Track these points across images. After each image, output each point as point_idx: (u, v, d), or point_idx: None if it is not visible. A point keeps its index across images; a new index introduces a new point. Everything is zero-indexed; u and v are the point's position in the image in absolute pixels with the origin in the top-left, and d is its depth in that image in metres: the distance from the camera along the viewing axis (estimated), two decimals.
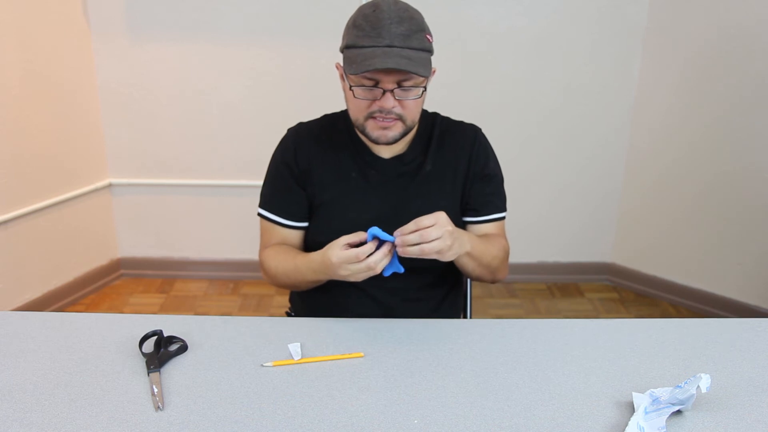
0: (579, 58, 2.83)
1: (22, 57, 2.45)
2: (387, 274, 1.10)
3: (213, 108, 2.89)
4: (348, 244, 1.09)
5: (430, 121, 1.34)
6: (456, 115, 1.39)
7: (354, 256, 1.06)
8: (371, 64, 1.09)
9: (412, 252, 1.05)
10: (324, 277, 1.18)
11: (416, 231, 1.04)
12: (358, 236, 1.09)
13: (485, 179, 1.33)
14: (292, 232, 1.33)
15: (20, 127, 2.48)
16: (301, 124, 1.36)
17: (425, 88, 1.18)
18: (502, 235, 1.37)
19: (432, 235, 1.04)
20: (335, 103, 1.45)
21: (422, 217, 1.06)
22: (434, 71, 1.23)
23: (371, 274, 1.08)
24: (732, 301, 2.72)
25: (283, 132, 1.36)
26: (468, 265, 1.22)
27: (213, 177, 2.98)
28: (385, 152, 1.30)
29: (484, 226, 1.33)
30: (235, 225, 3.03)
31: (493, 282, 1.33)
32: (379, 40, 1.10)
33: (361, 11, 1.15)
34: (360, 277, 1.09)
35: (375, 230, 1.06)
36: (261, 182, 1.37)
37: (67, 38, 2.67)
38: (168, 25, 2.77)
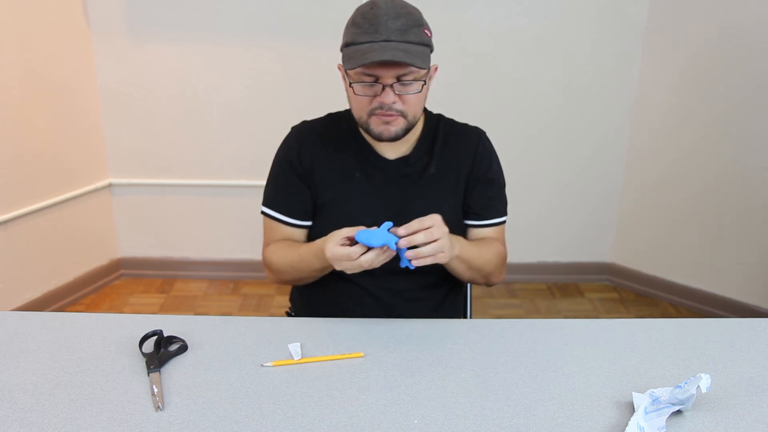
0: (579, 58, 2.83)
1: (22, 57, 2.45)
2: (403, 265, 1.07)
3: (213, 108, 2.89)
4: (347, 237, 1.09)
5: (435, 122, 1.34)
6: (456, 115, 1.39)
7: (346, 255, 1.06)
8: (368, 57, 1.09)
9: (425, 252, 1.05)
10: (327, 264, 1.18)
11: (421, 230, 1.05)
12: (346, 231, 1.09)
13: (487, 183, 1.33)
14: (296, 231, 1.33)
15: (20, 127, 2.48)
16: (305, 123, 1.36)
17: (425, 82, 1.18)
18: (501, 239, 1.37)
19: (435, 234, 1.05)
20: (336, 103, 1.45)
21: (423, 218, 1.06)
22: (436, 68, 1.23)
23: (366, 268, 1.08)
24: (732, 301, 2.72)
25: (283, 132, 1.36)
26: (458, 268, 1.23)
27: (213, 177, 2.98)
28: (390, 153, 1.30)
29: (484, 230, 1.34)
30: (235, 225, 3.03)
31: (488, 285, 1.34)
32: (376, 36, 1.11)
33: (359, 10, 1.16)
34: (355, 271, 1.10)
35: (361, 236, 1.05)
36: (261, 182, 1.37)
37: (67, 38, 2.67)
38: (168, 25, 2.77)
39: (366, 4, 1.16)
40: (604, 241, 3.10)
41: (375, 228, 1.07)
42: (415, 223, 1.06)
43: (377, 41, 1.11)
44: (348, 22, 1.18)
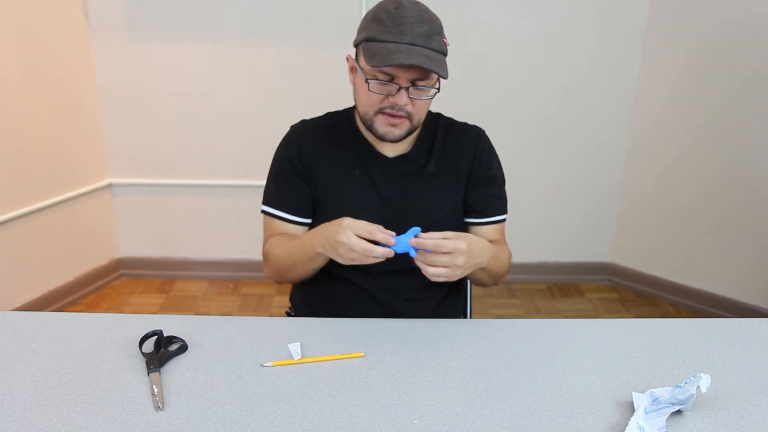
0: (579, 58, 2.83)
1: (22, 57, 2.45)
2: (399, 251, 1.07)
3: (213, 108, 2.89)
4: (361, 237, 1.06)
5: (434, 121, 1.35)
6: (456, 115, 1.39)
7: (359, 248, 1.05)
8: (395, 59, 1.09)
9: (441, 273, 1.06)
10: (320, 251, 1.16)
11: (445, 254, 1.05)
12: (377, 231, 1.07)
13: (488, 181, 1.33)
14: (296, 228, 1.32)
15: (20, 127, 2.48)
16: (304, 122, 1.36)
17: (438, 89, 1.18)
18: (502, 238, 1.38)
19: (459, 261, 1.06)
20: (335, 103, 1.45)
21: (452, 241, 1.05)
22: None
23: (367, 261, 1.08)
24: (732, 301, 2.72)
25: (283, 132, 1.36)
26: (482, 278, 1.26)
27: (213, 177, 2.98)
28: (389, 151, 1.30)
29: (485, 228, 1.34)
30: (235, 225, 3.03)
31: (493, 285, 1.34)
32: (402, 37, 1.11)
33: (383, 6, 1.15)
34: (354, 262, 1.09)
35: (400, 246, 1.05)
36: (261, 182, 1.37)
37: (67, 38, 2.67)
38: (168, 25, 2.77)
39: (390, 2, 1.15)
40: (604, 241, 3.10)
41: (401, 235, 1.06)
42: (444, 242, 1.05)
43: (403, 42, 1.11)
44: (368, 16, 1.17)
